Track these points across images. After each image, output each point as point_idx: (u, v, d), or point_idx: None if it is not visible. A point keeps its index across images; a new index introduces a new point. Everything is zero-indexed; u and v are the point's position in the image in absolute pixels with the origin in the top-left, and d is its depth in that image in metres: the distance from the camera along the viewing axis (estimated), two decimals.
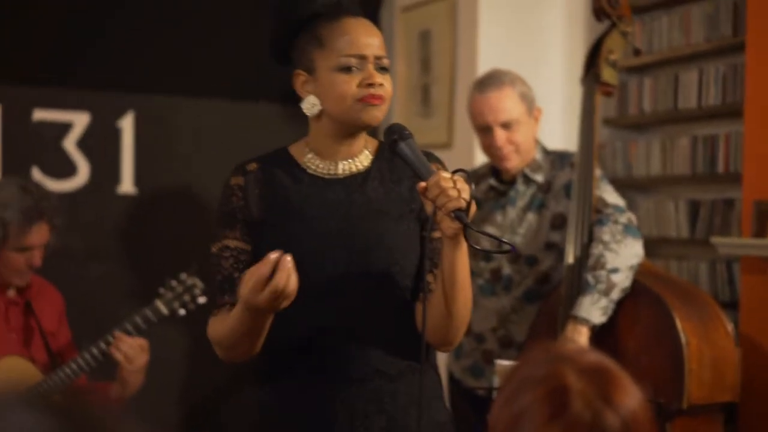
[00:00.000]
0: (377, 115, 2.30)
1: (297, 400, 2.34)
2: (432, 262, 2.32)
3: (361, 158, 2.40)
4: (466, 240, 2.18)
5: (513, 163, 3.60)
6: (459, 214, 2.11)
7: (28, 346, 3.60)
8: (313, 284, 2.28)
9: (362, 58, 2.29)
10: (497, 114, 3.56)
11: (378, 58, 2.32)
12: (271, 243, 2.28)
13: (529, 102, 3.61)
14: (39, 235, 3.54)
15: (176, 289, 3.59)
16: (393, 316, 2.34)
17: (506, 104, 3.56)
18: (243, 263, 2.35)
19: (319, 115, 2.35)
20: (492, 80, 3.62)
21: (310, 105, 2.34)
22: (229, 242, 2.37)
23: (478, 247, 2.28)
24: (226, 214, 2.39)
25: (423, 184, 2.15)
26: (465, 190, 2.12)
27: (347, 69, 2.28)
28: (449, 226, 2.14)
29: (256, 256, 2.32)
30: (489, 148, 3.62)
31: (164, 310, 3.57)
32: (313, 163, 2.39)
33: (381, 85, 2.30)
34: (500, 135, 3.56)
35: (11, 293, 3.59)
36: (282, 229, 2.34)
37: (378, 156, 2.42)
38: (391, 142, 2.24)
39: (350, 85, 2.28)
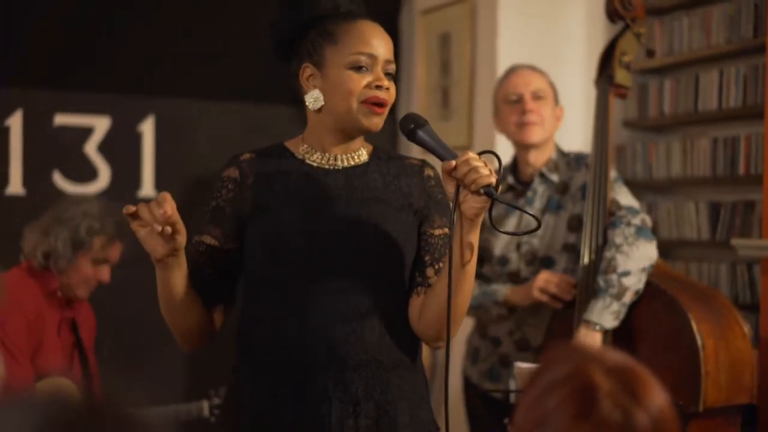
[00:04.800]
0: (378, 122, 2.33)
1: (292, 383, 2.31)
2: (433, 257, 2.34)
3: (358, 154, 2.42)
4: (491, 222, 2.20)
5: (536, 136, 3.61)
6: (489, 189, 2.11)
7: (70, 362, 3.63)
8: (313, 268, 2.30)
9: (374, 58, 2.32)
10: (529, 84, 3.65)
11: (387, 62, 2.35)
12: (266, 228, 2.32)
13: (555, 92, 3.68)
14: (116, 252, 3.61)
15: None
16: (390, 306, 2.35)
17: (538, 79, 3.68)
18: (215, 260, 2.37)
19: (320, 110, 2.37)
20: (524, 64, 3.76)
21: (314, 99, 2.35)
22: (208, 239, 2.38)
23: (502, 230, 2.29)
24: (214, 208, 2.40)
25: (452, 162, 2.15)
26: (494, 169, 2.15)
27: (358, 68, 2.31)
28: (472, 206, 2.15)
29: (252, 242, 2.35)
30: (515, 123, 3.63)
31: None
32: (311, 156, 2.40)
33: (387, 89, 2.33)
34: (531, 102, 3.61)
35: (67, 310, 3.62)
36: (280, 213, 2.34)
37: (374, 156, 2.44)
38: (409, 131, 2.26)
39: (358, 84, 2.31)
